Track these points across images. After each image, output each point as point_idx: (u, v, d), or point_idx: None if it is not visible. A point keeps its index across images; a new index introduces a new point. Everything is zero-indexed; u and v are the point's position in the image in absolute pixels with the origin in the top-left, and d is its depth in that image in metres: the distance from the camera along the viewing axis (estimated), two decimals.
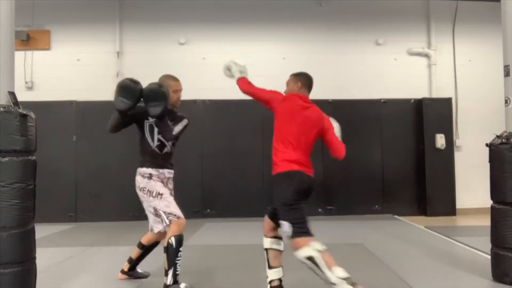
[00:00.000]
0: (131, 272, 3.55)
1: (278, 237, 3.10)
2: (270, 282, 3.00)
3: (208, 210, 6.93)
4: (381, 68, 7.51)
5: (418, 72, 7.59)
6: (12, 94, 2.77)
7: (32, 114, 2.85)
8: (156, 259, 3.66)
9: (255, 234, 5.74)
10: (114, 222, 6.72)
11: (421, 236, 5.38)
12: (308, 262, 2.67)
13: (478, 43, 7.56)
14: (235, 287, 3.39)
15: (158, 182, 3.18)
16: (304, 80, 3.18)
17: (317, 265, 2.63)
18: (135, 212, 6.98)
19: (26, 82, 7.23)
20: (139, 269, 3.60)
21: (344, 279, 2.55)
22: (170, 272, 2.99)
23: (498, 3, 3.56)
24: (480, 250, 4.31)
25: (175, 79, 3.33)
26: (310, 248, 2.67)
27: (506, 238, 3.23)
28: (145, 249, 3.46)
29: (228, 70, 3.32)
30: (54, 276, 3.71)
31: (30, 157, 2.81)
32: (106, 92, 7.26)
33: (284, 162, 2.98)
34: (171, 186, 3.33)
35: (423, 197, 7.17)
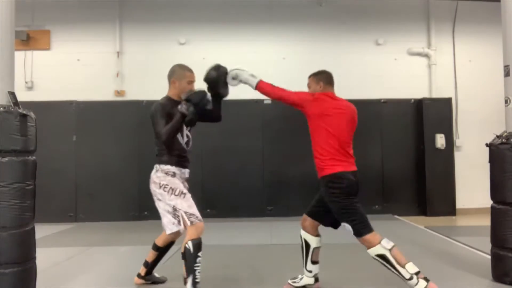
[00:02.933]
0: (148, 276, 3.36)
1: (319, 235, 3.21)
2: (315, 275, 3.19)
3: (208, 210, 6.92)
4: (381, 68, 7.51)
5: (418, 72, 7.59)
6: (12, 94, 2.77)
7: (32, 114, 2.85)
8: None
9: (255, 234, 5.76)
10: (114, 222, 6.72)
11: (421, 236, 5.38)
12: (380, 260, 2.83)
13: (478, 43, 7.56)
14: (235, 287, 3.38)
15: (179, 180, 3.03)
16: (325, 78, 3.16)
17: (389, 262, 2.79)
18: (135, 212, 6.99)
19: (26, 82, 7.23)
20: (156, 273, 3.42)
21: (416, 273, 2.73)
22: (190, 280, 2.78)
23: (498, 3, 3.56)
24: (480, 250, 4.31)
25: (190, 70, 3.24)
26: (380, 247, 2.82)
27: (506, 238, 3.23)
28: (161, 251, 3.30)
29: (234, 79, 3.19)
30: (54, 276, 3.71)
31: (30, 157, 2.81)
32: (106, 92, 7.28)
33: (339, 162, 2.95)
34: (187, 186, 3.17)
35: (423, 197, 7.17)
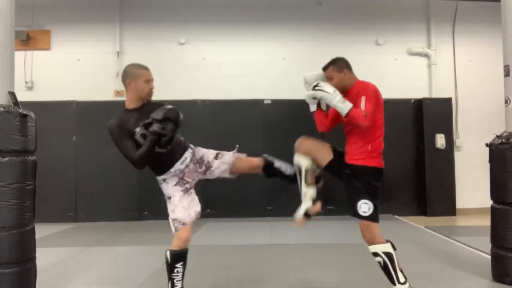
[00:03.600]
0: None
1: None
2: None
3: (208, 210, 6.92)
4: (381, 68, 7.50)
5: (418, 72, 7.59)
6: (12, 94, 2.77)
7: (32, 114, 2.85)
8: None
9: (255, 234, 5.76)
10: (114, 222, 6.72)
11: (421, 236, 5.38)
12: (384, 258, 2.78)
13: (478, 43, 7.56)
14: (235, 287, 3.38)
15: (171, 182, 2.83)
16: (346, 65, 2.95)
17: (393, 263, 2.77)
18: (135, 212, 6.99)
19: (26, 82, 7.23)
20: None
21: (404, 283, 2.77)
22: (169, 286, 2.75)
23: (498, 3, 3.56)
24: (480, 250, 4.31)
25: (145, 67, 2.93)
26: (389, 245, 2.81)
27: (506, 238, 3.23)
28: None
29: (314, 98, 2.90)
30: (54, 276, 3.71)
31: (30, 157, 2.81)
32: (106, 92, 7.28)
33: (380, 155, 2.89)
34: (191, 163, 2.93)
35: (423, 197, 7.17)
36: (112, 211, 6.89)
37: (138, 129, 2.70)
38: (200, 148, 3.05)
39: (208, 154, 3.06)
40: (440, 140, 7.12)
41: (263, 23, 7.50)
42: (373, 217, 2.78)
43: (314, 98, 2.89)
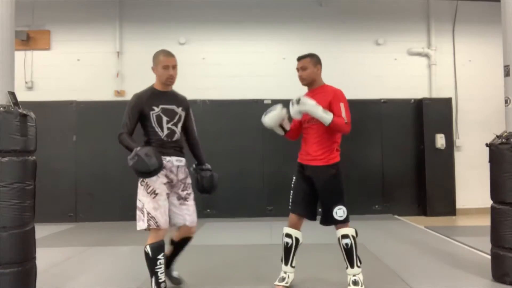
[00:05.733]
0: (166, 270, 3.19)
1: None
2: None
3: (208, 210, 6.93)
4: (381, 68, 7.51)
5: (418, 72, 7.59)
6: (12, 94, 2.77)
7: (32, 114, 2.85)
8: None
9: (255, 234, 5.76)
10: (114, 222, 6.72)
11: (421, 236, 5.37)
12: (352, 241, 3.05)
13: (478, 43, 7.56)
14: (235, 287, 3.38)
15: (161, 177, 2.88)
16: (319, 62, 3.28)
17: (356, 245, 3.07)
18: (135, 212, 6.98)
19: (26, 82, 7.23)
20: (176, 271, 3.30)
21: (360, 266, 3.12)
22: (153, 281, 2.84)
23: (498, 3, 3.56)
24: (480, 250, 4.31)
25: (167, 53, 3.02)
26: (353, 229, 3.11)
27: (506, 238, 3.23)
28: (175, 245, 3.20)
29: (299, 113, 3.13)
30: (54, 276, 3.71)
31: (30, 157, 2.81)
32: (106, 92, 7.28)
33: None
34: (182, 175, 3.04)
35: (423, 197, 7.17)
36: (112, 211, 6.88)
37: (155, 108, 2.97)
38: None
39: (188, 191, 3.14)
40: (440, 140, 7.12)
41: (263, 23, 7.50)
42: (347, 219, 3.10)
43: (300, 112, 3.08)
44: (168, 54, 3.02)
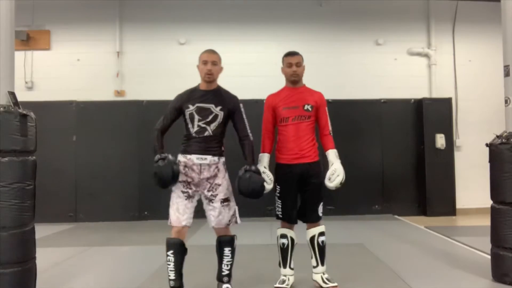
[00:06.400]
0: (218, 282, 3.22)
1: None
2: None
3: None
4: (381, 68, 7.51)
5: (418, 72, 7.59)
6: (12, 94, 2.77)
7: (32, 114, 2.85)
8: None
9: (255, 234, 5.76)
10: (114, 222, 6.72)
11: (421, 236, 5.37)
12: (322, 238, 3.15)
13: (478, 43, 7.56)
14: (235, 287, 3.38)
15: (182, 173, 2.95)
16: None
17: (324, 242, 3.15)
18: (135, 212, 6.99)
19: (26, 82, 7.23)
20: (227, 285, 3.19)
21: None
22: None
23: (498, 3, 3.56)
24: (480, 250, 4.31)
25: (209, 50, 3.12)
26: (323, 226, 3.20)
27: (506, 238, 3.23)
28: (216, 248, 3.22)
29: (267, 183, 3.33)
30: (54, 276, 3.71)
31: (30, 157, 2.81)
32: (106, 92, 7.27)
33: None
34: (207, 173, 3.00)
35: (423, 197, 7.17)
36: (112, 211, 6.89)
37: (190, 106, 3.01)
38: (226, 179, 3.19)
39: (223, 190, 3.21)
40: (440, 140, 7.12)
41: (263, 23, 7.50)
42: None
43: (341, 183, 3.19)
44: (209, 51, 3.11)
